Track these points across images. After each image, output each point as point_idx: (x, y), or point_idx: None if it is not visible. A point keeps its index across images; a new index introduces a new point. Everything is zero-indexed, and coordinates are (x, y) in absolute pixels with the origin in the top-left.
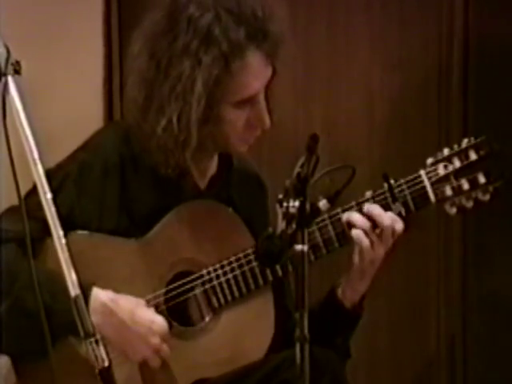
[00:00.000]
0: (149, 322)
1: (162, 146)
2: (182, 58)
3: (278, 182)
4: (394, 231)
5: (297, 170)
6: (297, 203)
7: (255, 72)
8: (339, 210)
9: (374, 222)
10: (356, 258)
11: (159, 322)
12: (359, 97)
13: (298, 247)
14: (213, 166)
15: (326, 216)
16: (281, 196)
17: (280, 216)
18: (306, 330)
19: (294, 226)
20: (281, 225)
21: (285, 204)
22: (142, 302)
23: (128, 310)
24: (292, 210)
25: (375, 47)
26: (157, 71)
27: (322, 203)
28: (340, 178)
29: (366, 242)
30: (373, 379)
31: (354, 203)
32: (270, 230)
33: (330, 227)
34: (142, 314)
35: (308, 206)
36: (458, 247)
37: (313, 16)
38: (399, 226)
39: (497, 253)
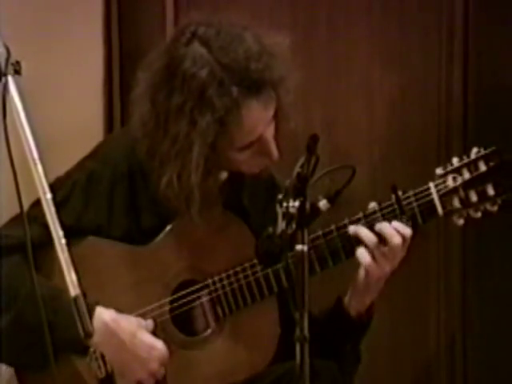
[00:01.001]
0: (149, 347)
1: (167, 199)
2: (178, 115)
3: None
4: (404, 242)
5: (297, 170)
6: (297, 203)
7: (253, 121)
8: (346, 221)
9: (381, 238)
10: (361, 274)
11: (159, 347)
12: (359, 97)
13: (298, 247)
14: (222, 175)
15: (333, 227)
16: (281, 196)
17: (280, 216)
18: (306, 330)
19: (293, 226)
20: (281, 225)
21: (285, 204)
22: (143, 323)
23: (129, 332)
24: (292, 210)
25: (375, 47)
26: (157, 124)
27: (322, 203)
28: (340, 178)
29: (371, 263)
30: (373, 379)
31: (361, 215)
32: (270, 229)
33: (337, 239)
34: (143, 338)
35: (308, 206)
36: (457, 248)
37: (313, 16)
38: (407, 231)
39: (497, 253)
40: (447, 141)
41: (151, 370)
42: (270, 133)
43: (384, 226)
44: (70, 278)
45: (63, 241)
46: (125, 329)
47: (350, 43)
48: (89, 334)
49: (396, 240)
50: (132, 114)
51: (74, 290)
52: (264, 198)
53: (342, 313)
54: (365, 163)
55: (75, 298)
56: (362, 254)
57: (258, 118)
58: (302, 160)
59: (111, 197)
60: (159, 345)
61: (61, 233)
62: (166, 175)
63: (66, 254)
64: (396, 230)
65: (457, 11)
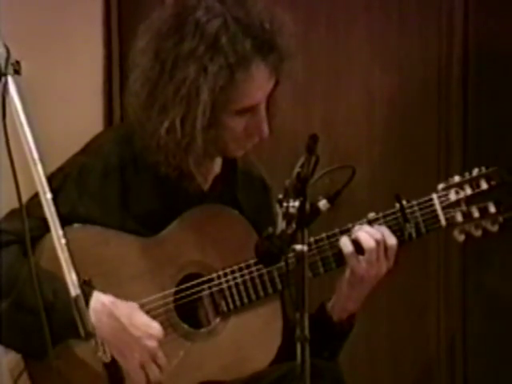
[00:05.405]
0: (145, 326)
1: (163, 146)
2: (187, 61)
3: (278, 181)
4: (386, 250)
5: (297, 170)
6: (297, 203)
7: (258, 83)
8: (350, 225)
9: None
10: (346, 273)
11: (156, 326)
12: (359, 97)
13: (298, 247)
14: (216, 167)
15: (337, 230)
16: (281, 196)
17: (280, 216)
18: (306, 330)
19: (293, 225)
20: (281, 225)
21: (285, 204)
22: (136, 306)
23: (126, 313)
24: (292, 210)
25: (375, 47)
26: (161, 71)
27: (322, 203)
28: (340, 178)
29: (354, 260)
30: (373, 379)
31: (365, 220)
32: (270, 229)
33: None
34: (139, 318)
35: (308, 206)
36: (457, 248)
37: (313, 16)
38: (391, 241)
39: (497, 253)
40: (447, 141)
41: (150, 348)
42: (264, 107)
43: (359, 234)
44: (70, 277)
45: (63, 241)
46: (122, 311)
47: (350, 43)
48: (90, 334)
49: (371, 244)
50: (130, 69)
51: (74, 290)
52: (256, 198)
53: (323, 317)
54: (364, 163)
55: (75, 298)
56: (345, 244)
57: (263, 81)
58: (301, 160)
59: (103, 189)
60: (155, 324)
61: (61, 232)
62: (168, 120)
63: (66, 254)
64: (370, 235)
65: (457, 11)
